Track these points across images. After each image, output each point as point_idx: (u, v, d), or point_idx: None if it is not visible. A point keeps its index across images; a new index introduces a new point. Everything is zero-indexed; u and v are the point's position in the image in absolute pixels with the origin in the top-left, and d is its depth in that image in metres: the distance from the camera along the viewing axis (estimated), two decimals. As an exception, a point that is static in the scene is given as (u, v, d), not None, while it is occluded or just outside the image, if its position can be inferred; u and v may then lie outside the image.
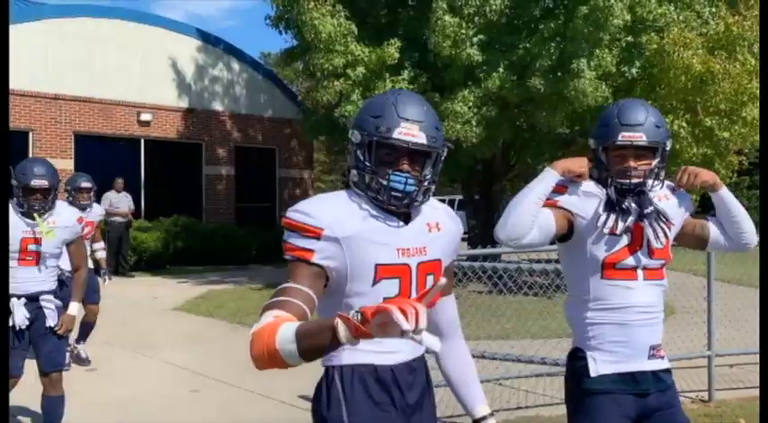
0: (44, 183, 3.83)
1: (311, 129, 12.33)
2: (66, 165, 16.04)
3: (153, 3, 75.11)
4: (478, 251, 6.82)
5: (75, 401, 4.48)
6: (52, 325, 4.01)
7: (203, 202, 18.55)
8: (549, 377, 5.89)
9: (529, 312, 7.85)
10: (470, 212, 13.57)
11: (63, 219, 4.12)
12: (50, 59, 15.76)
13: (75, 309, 4.20)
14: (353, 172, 1.89)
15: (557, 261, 4.06)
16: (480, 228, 13.16)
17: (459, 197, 34.14)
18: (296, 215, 1.81)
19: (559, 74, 9.64)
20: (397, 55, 10.43)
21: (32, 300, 3.98)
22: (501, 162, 12.89)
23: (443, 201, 21.82)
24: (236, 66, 19.31)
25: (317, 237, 1.78)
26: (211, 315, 9.64)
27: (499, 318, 7.83)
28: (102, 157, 16.64)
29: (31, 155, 15.65)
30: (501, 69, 9.88)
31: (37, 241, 3.93)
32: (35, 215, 3.91)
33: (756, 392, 5.56)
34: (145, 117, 17.32)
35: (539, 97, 10.01)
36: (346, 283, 1.83)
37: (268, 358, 1.54)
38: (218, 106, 18.90)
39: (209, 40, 18.92)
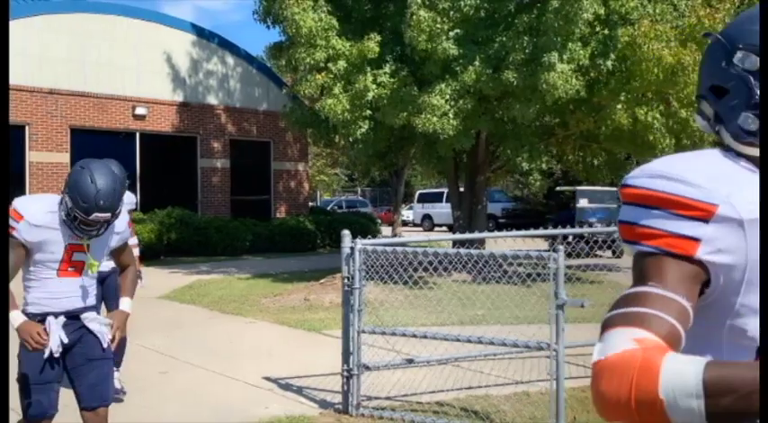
0: (108, 216, 2.99)
1: (297, 121, 12.54)
2: (61, 158, 16.34)
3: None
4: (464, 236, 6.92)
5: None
6: (106, 346, 3.19)
7: (198, 194, 18.79)
8: (503, 359, 6.12)
9: (503, 301, 8.05)
10: (455, 204, 13.74)
11: (117, 225, 3.34)
12: (46, 54, 16.01)
13: (128, 305, 3.38)
14: (749, 116, 1.17)
15: (554, 251, 4.26)
16: (465, 219, 13.33)
17: (422, 191, 34.54)
18: (666, 184, 1.10)
19: (532, 67, 9.78)
20: (377, 49, 10.60)
21: (73, 318, 3.14)
22: (484, 154, 13.04)
23: (440, 194, 21.74)
24: (230, 60, 19.52)
25: (707, 218, 1.08)
26: (193, 303, 9.86)
27: (473, 304, 8.05)
28: (98, 151, 16.87)
29: (27, 149, 15.95)
30: (477, 63, 10.03)
31: (84, 249, 3.11)
32: (85, 239, 3.11)
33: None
34: (140, 111, 17.56)
35: (513, 90, 10.16)
36: (738, 292, 1.10)
37: (637, 408, 0.94)
38: (212, 100, 19.12)
39: (203, 35, 19.14)
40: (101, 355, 3.19)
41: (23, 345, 3.00)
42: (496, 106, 11.03)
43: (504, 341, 4.54)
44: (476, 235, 8.59)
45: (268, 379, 5.86)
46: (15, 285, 3.01)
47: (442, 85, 10.17)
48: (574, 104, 11.31)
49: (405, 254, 4.82)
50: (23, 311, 3.10)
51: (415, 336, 4.86)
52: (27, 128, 15.98)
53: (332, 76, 10.78)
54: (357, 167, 15.15)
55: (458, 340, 4.70)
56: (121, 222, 3.27)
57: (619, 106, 10.44)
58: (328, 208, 32.97)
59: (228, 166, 19.30)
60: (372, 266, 5.10)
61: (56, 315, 3.08)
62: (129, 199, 4.81)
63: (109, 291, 5.18)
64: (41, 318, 3.06)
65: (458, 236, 6.08)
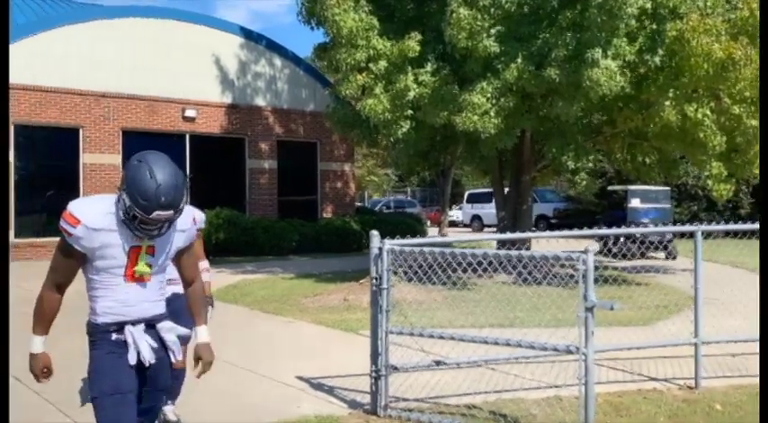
0: (170, 214, 2.68)
1: (339, 122, 12.62)
2: (113, 160, 16.84)
3: (217, 1, 76.89)
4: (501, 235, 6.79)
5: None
6: (178, 358, 2.96)
7: (247, 195, 19.11)
8: (539, 363, 6.03)
9: (544, 303, 7.93)
10: (500, 204, 13.60)
11: (179, 222, 2.94)
12: (99, 58, 16.51)
13: (207, 334, 3.05)
14: None
15: (583, 252, 4.19)
16: (509, 219, 13.19)
17: (472, 191, 34.16)
18: None
19: (575, 64, 9.60)
20: (417, 48, 10.59)
21: (150, 326, 2.88)
22: (529, 153, 12.87)
23: (490, 194, 21.16)
24: (278, 61, 19.80)
25: None
26: (236, 302, 10.03)
27: (513, 306, 7.95)
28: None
29: (81, 151, 16.48)
30: (519, 60, 9.91)
31: (151, 251, 2.82)
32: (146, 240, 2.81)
33: (746, 381, 5.57)
34: (189, 113, 17.96)
35: (556, 87, 10.00)
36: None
37: None
38: (260, 101, 19.42)
39: (251, 37, 19.46)
40: (163, 386, 2.98)
41: (100, 356, 2.77)
42: (540, 104, 10.87)
43: (532, 344, 4.47)
44: (509, 235, 8.40)
45: (301, 378, 5.92)
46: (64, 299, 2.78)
47: (484, 84, 10.08)
48: (621, 101, 11.05)
49: (443, 255, 4.77)
50: (91, 323, 2.83)
51: (441, 337, 4.84)
52: (81, 131, 16.53)
53: (373, 76, 10.81)
54: (401, 167, 15.11)
55: (485, 342, 4.65)
56: (185, 219, 2.89)
57: (667, 103, 10.16)
58: (376, 208, 33.09)
59: (276, 167, 19.57)
60: (411, 267, 5.08)
61: (132, 323, 2.81)
62: (200, 216, 3.93)
63: (177, 316, 4.22)
64: (117, 327, 2.78)
65: (492, 235, 6.01)
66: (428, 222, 30.35)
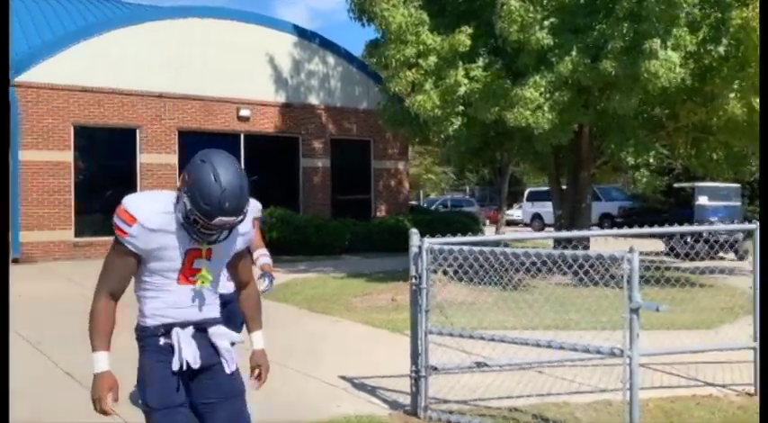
0: (233, 220, 2.51)
1: (390, 119, 12.65)
2: (170, 160, 17.32)
3: (275, 0, 78.13)
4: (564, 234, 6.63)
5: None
6: (230, 371, 2.72)
7: (300, 194, 19.37)
8: (590, 366, 5.92)
9: (601, 305, 7.78)
10: (557, 202, 13.39)
11: (240, 225, 2.76)
12: (155, 59, 16.99)
13: (262, 340, 2.91)
14: None
15: (628, 252, 4.12)
16: (567, 218, 12.98)
17: (532, 189, 33.53)
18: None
19: (633, 55, 9.36)
20: (468, 42, 10.52)
21: (201, 331, 2.71)
22: (587, 149, 12.63)
23: (543, 192, 21.04)
24: (331, 59, 19.99)
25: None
26: (285, 301, 10.18)
27: (568, 308, 7.83)
28: (204, 152, 17.83)
29: (138, 151, 17.02)
30: (574, 52, 9.73)
31: (207, 254, 2.67)
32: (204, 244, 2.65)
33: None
34: (244, 113, 18.32)
35: (613, 80, 9.78)
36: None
37: None
38: (313, 100, 19.65)
39: (304, 36, 19.71)
40: (233, 391, 2.72)
41: (149, 365, 2.62)
42: (597, 98, 10.65)
43: (575, 346, 4.40)
44: (555, 234, 8.34)
45: (344, 378, 5.98)
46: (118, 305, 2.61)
47: (537, 77, 9.95)
48: (684, 94, 10.72)
49: (494, 255, 4.71)
50: (140, 325, 2.67)
51: (482, 338, 4.81)
52: (138, 131, 17.05)
53: (422, 72, 10.81)
54: (452, 165, 15.03)
55: (525, 344, 4.60)
56: (246, 222, 2.70)
57: (732, 95, 9.81)
58: (432, 207, 33.04)
59: (329, 166, 19.76)
60: (461, 267, 5.06)
61: (182, 326, 2.64)
62: (255, 205, 3.38)
63: (232, 318, 4.19)
64: (165, 330, 2.63)
65: (540, 234, 5.94)
66: (487, 222, 30.12)
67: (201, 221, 2.45)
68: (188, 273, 2.63)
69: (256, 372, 2.87)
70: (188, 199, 2.43)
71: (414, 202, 32.67)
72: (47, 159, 15.75)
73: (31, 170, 15.54)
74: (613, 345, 4.35)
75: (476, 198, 42.73)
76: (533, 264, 5.29)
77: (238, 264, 2.84)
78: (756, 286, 5.12)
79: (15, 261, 15.24)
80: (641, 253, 4.31)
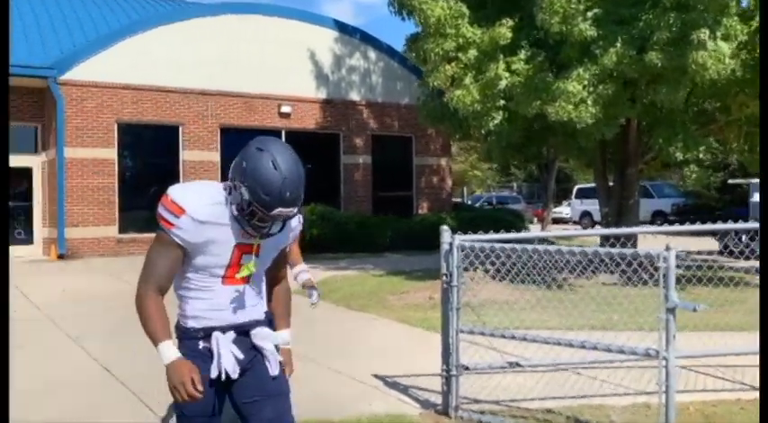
0: (291, 211, 2.41)
1: (429, 115, 12.60)
2: (212, 157, 17.60)
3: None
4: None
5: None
6: (273, 374, 2.61)
7: (341, 190, 19.46)
8: (632, 368, 5.81)
9: (648, 305, 7.62)
10: (603, 199, 13.15)
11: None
12: (197, 56, 17.28)
13: (288, 340, 2.81)
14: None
15: (664, 249, 4.05)
16: (614, 215, 12.75)
17: (581, 185, 32.88)
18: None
19: (681, 47, 9.12)
20: (509, 35, 10.41)
21: (242, 334, 2.59)
22: (635, 144, 12.38)
23: (593, 189, 20.45)
24: (372, 54, 20.02)
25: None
26: (322, 298, 10.19)
27: (614, 308, 7.70)
28: (246, 149, 18.08)
29: (181, 148, 17.33)
30: (618, 44, 9.54)
31: (256, 250, 2.55)
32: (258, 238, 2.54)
33: None
34: (285, 109, 18.50)
35: (659, 72, 9.55)
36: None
37: None
38: (354, 96, 19.72)
39: (346, 31, 19.78)
40: (279, 390, 2.61)
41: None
42: (644, 91, 10.42)
43: (609, 346, 4.32)
44: (624, 230, 8.17)
45: (376, 376, 5.99)
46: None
47: (580, 70, 9.79)
48: (737, 86, 10.41)
49: (537, 253, 4.66)
50: (180, 326, 2.55)
51: (513, 337, 4.76)
52: (181, 128, 17.37)
53: (462, 65, 10.73)
54: (494, 161, 14.91)
55: (558, 344, 4.54)
56: (296, 218, 2.64)
57: (787, 87, 9.46)
58: (477, 204, 32.82)
59: (370, 162, 19.81)
60: (504, 265, 5.02)
61: (222, 330, 2.51)
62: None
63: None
64: (205, 333, 2.51)
65: (575, 232, 5.83)
66: (534, 219, 29.78)
67: (261, 213, 2.34)
68: (234, 270, 2.50)
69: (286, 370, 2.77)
70: (246, 189, 2.32)
71: (457, 200, 32.52)
72: (91, 157, 16.16)
73: (75, 167, 15.96)
74: (649, 345, 4.25)
75: (523, 195, 42.27)
76: (579, 262, 5.19)
77: (279, 259, 2.72)
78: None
79: (61, 257, 15.70)
80: (693, 252, 4.21)
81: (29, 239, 16.81)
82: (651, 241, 13.35)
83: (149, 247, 2.48)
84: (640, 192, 24.97)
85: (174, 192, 2.43)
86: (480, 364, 5.14)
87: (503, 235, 5.02)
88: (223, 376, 2.47)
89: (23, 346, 7.12)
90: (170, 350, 2.35)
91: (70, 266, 14.48)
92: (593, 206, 30.01)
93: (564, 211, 34.34)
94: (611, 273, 8.78)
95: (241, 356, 2.51)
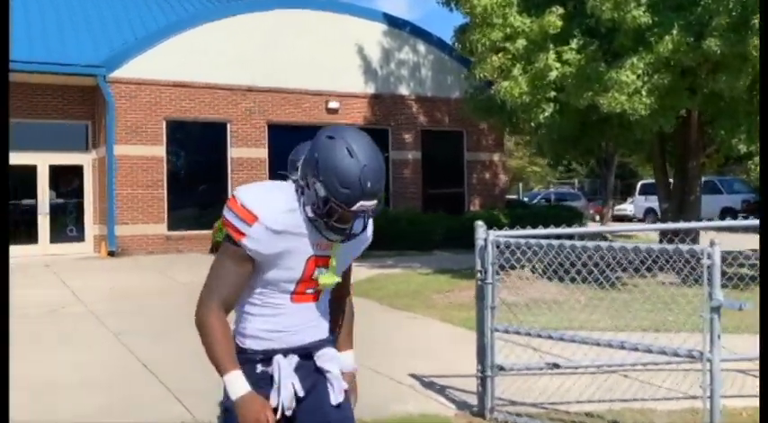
0: (374, 205, 2.15)
1: (476, 108, 12.49)
2: (260, 154, 17.85)
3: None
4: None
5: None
6: (337, 402, 2.37)
7: (390, 187, 19.48)
8: (681, 370, 5.65)
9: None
10: (663, 195, 12.83)
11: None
12: (244, 53, 17.54)
13: (353, 360, 2.57)
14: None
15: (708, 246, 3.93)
16: (674, 212, 12.42)
17: (645, 181, 31.94)
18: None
19: (741, 33, 8.81)
20: (559, 23, 10.24)
21: (306, 357, 2.35)
22: (696, 136, 12.02)
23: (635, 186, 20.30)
24: (422, 47, 19.97)
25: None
26: (366, 296, 10.28)
27: (672, 309, 7.50)
28: (294, 147, 18.26)
29: (229, 145, 17.63)
30: (675, 31, 9.27)
31: (327, 262, 2.31)
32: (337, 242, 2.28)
33: None
34: (333, 105, 18.62)
35: (718, 60, 9.24)
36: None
37: None
38: (403, 90, 19.70)
39: (395, 24, 19.78)
40: (342, 418, 2.37)
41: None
42: (704, 80, 10.11)
43: (650, 348, 4.21)
44: (686, 225, 7.94)
45: (413, 376, 5.99)
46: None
47: (634, 59, 9.55)
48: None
49: (585, 250, 4.56)
50: (238, 345, 2.28)
51: (550, 337, 4.68)
52: (228, 125, 17.67)
53: (510, 56, 10.61)
54: (546, 155, 14.69)
55: (597, 344, 4.44)
56: (370, 224, 2.38)
57: None
58: (534, 201, 32.42)
59: (420, 158, 19.76)
60: (553, 261, 4.95)
61: (284, 353, 2.27)
62: None
63: None
64: (265, 356, 2.27)
65: (618, 227, 5.71)
66: (596, 216, 29.23)
67: (342, 209, 2.09)
68: (306, 285, 2.26)
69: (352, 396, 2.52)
70: (321, 185, 2.07)
71: (512, 197, 32.16)
72: (140, 154, 16.59)
73: (125, 165, 16.40)
74: (692, 347, 4.13)
75: (584, 192, 41.56)
76: (631, 261, 5.06)
77: (346, 273, 2.47)
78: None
79: (111, 254, 16.17)
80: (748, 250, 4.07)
81: (80, 237, 17.38)
82: (718, 239, 12.96)
83: (215, 259, 2.23)
84: (708, 187, 24.33)
85: (245, 195, 2.16)
86: (517, 364, 5.08)
87: (539, 231, 4.94)
88: (279, 409, 2.22)
89: (65, 341, 7.37)
90: (240, 383, 2.13)
91: (119, 264, 14.91)
92: (657, 203, 29.34)
93: (627, 208, 33.63)
94: (670, 271, 8.56)
95: (301, 393, 2.26)
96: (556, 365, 5.10)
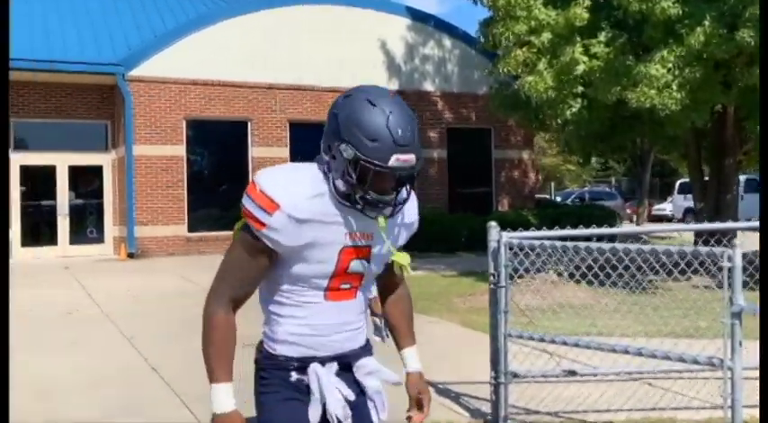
0: (411, 161, 1.90)
1: (501, 104, 12.39)
2: (281, 153, 17.92)
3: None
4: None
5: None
6: (380, 418, 2.23)
7: (415, 187, 19.40)
8: (701, 379, 5.53)
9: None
10: (698, 194, 12.60)
11: (407, 210, 2.19)
12: (264, 50, 17.63)
13: (418, 360, 2.40)
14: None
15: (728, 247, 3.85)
16: (709, 211, 12.20)
17: (684, 180, 31.36)
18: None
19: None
20: (586, 15, 10.11)
21: (344, 366, 2.15)
22: (733, 132, 11.79)
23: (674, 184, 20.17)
24: (447, 42, 19.88)
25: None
26: (386, 299, 10.25)
27: (705, 315, 7.37)
28: (316, 145, 18.24)
29: (250, 144, 17.72)
30: (707, 22, 9.10)
31: (367, 254, 2.08)
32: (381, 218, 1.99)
33: None
34: (356, 102, 18.59)
35: (752, 51, 9.04)
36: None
37: None
38: (428, 86, 19.63)
39: (419, 18, 19.72)
40: None
41: (273, 406, 2.06)
42: (739, 74, 9.91)
43: (668, 354, 4.11)
44: (723, 225, 7.81)
45: (428, 382, 5.92)
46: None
47: (664, 52, 9.40)
48: None
49: (614, 252, 4.48)
50: (267, 351, 2.11)
51: (565, 343, 4.61)
52: (249, 123, 17.77)
53: (535, 50, 10.50)
54: (574, 153, 14.53)
55: (613, 351, 4.36)
56: (412, 206, 2.20)
57: None
58: (568, 200, 32.11)
59: (445, 157, 19.67)
60: (583, 263, 4.88)
61: (322, 361, 2.08)
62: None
63: None
64: (300, 364, 2.07)
65: (641, 228, 5.60)
66: (634, 217, 28.85)
67: (373, 171, 1.86)
68: (340, 281, 2.04)
69: (417, 406, 2.36)
70: (346, 145, 1.86)
71: (543, 196, 31.88)
72: (159, 154, 16.75)
73: (144, 165, 16.57)
74: (713, 354, 4.03)
75: (620, 190, 41.08)
76: (663, 265, 4.95)
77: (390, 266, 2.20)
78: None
79: (131, 256, 16.36)
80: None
81: (100, 238, 17.61)
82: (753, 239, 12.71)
83: (229, 248, 2.04)
84: (751, 186, 23.85)
85: (265, 180, 1.94)
86: (532, 370, 5.01)
87: (554, 232, 4.87)
88: (317, 419, 2.04)
89: (76, 343, 7.46)
90: (226, 398, 1.98)
91: (138, 265, 15.07)
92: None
93: (666, 207, 33.19)
94: (713, 276, 8.39)
95: (352, 397, 2.08)
96: (572, 372, 5.02)
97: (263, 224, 1.91)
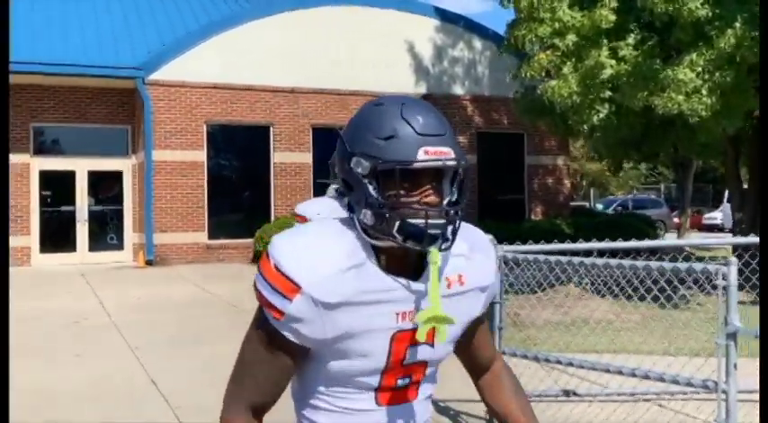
0: (448, 153, 1.50)
1: (526, 110, 12.36)
2: (304, 158, 18.08)
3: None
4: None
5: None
6: None
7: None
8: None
9: None
10: (736, 203, 12.42)
11: (477, 263, 1.65)
12: (287, 52, 17.81)
13: None
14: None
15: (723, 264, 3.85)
16: (748, 221, 12.03)
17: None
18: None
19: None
20: (612, 17, 10.07)
21: None
22: (773, 139, 11.60)
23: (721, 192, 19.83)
24: (477, 44, 19.87)
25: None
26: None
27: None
28: (340, 149, 18.43)
29: (272, 149, 17.92)
30: (738, 24, 9.01)
31: (429, 336, 1.53)
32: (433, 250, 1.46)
33: None
34: (381, 106, 18.67)
35: (786, 55, 8.92)
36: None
37: None
38: (458, 90, 19.65)
39: (447, 19, 19.74)
40: None
41: None
42: (775, 77, 9.77)
43: (662, 375, 4.11)
44: (668, 241, 7.70)
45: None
46: None
47: (693, 55, 9.32)
48: None
49: (633, 268, 4.48)
50: None
51: (559, 362, 4.62)
52: (271, 128, 17.97)
53: (559, 53, 10.48)
54: (604, 159, 14.38)
55: (607, 371, 4.36)
56: (485, 266, 1.66)
57: None
58: (610, 208, 31.77)
59: (475, 162, 19.61)
60: (609, 277, 4.89)
61: None
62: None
63: None
64: None
65: (658, 242, 5.59)
66: (681, 226, 28.44)
67: (399, 167, 1.44)
68: (395, 378, 1.58)
69: None
70: (359, 158, 1.47)
71: (582, 204, 31.54)
72: (179, 159, 17.01)
73: (164, 170, 16.85)
74: (707, 377, 4.02)
75: (668, 198, 40.46)
76: (696, 280, 4.92)
77: (475, 333, 1.78)
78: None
79: (149, 263, 16.64)
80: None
81: (119, 245, 17.94)
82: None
83: (244, 339, 1.61)
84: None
85: (282, 253, 1.50)
86: (529, 390, 5.03)
87: (553, 246, 4.89)
88: None
89: (80, 354, 7.66)
90: None
91: (155, 273, 15.32)
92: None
93: (717, 216, 32.65)
94: (747, 291, 8.30)
95: None
96: (573, 393, 5.04)
97: (280, 313, 1.48)
